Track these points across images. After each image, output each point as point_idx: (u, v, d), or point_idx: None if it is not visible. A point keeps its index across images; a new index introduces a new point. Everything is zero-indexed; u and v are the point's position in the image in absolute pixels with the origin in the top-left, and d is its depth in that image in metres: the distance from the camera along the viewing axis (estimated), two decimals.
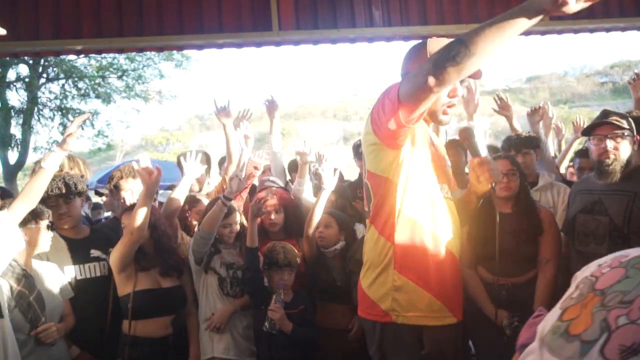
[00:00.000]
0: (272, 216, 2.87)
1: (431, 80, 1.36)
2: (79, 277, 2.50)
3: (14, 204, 2.03)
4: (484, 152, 3.02)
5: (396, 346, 1.74)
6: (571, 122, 3.97)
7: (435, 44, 1.75)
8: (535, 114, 3.71)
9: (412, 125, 1.61)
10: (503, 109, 3.58)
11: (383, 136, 1.66)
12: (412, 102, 1.50)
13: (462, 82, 1.79)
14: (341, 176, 3.86)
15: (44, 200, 2.38)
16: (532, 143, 3.11)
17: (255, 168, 2.88)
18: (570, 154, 4.00)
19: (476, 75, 1.75)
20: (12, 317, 1.97)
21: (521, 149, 3.05)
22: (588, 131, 2.29)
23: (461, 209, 1.90)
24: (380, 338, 1.76)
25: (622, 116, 2.25)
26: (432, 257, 1.72)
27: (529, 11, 1.23)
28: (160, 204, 3.03)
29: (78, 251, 2.54)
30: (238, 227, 2.73)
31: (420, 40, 1.83)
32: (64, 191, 2.47)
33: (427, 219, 1.72)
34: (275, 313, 2.40)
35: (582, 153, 3.34)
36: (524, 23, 1.24)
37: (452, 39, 1.35)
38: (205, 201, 3.03)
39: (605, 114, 2.28)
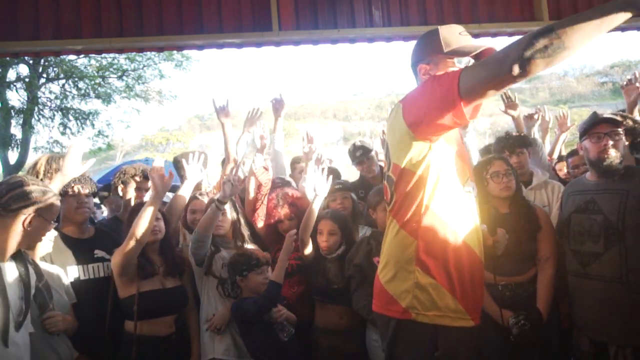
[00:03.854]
0: (286, 224, 2.89)
1: (516, 70, 1.28)
2: (82, 278, 2.49)
3: None
4: (475, 156, 3.02)
5: (410, 344, 1.68)
6: (554, 116, 3.94)
7: (448, 31, 1.71)
8: (532, 118, 3.73)
9: (472, 119, 1.53)
10: (510, 108, 3.59)
11: (422, 130, 1.58)
12: (478, 93, 1.42)
13: None
14: (338, 174, 3.87)
15: (66, 192, 2.48)
16: (525, 142, 3.13)
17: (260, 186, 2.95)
18: (558, 148, 4.01)
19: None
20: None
21: (515, 149, 3.07)
22: (586, 130, 2.30)
23: None
24: (394, 334, 1.70)
25: (615, 116, 2.30)
26: (455, 256, 1.65)
27: (626, 6, 1.19)
28: (163, 204, 3.04)
29: (82, 251, 2.54)
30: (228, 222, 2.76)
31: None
32: (84, 185, 2.58)
33: (452, 217, 1.65)
34: (282, 312, 2.50)
35: (573, 152, 3.37)
36: (620, 17, 1.20)
37: (539, 28, 1.27)
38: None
39: (599, 114, 2.32)
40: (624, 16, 1.20)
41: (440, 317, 1.64)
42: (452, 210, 1.66)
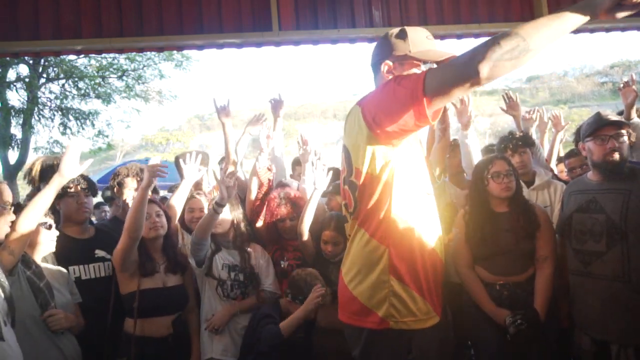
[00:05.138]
0: (287, 223, 2.88)
1: (483, 72, 1.27)
2: (83, 277, 2.50)
3: None
4: (477, 157, 3.02)
5: (385, 351, 1.70)
6: (548, 118, 3.93)
7: (415, 33, 1.70)
8: (530, 118, 3.73)
9: (433, 121, 1.51)
10: (511, 108, 3.58)
11: (384, 134, 1.56)
12: (443, 92, 1.40)
13: None
14: (338, 174, 3.86)
15: (65, 192, 2.47)
16: (528, 142, 3.13)
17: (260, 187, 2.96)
18: (557, 149, 4.00)
19: None
20: (23, 297, 1.96)
21: (518, 149, 3.07)
22: (591, 132, 2.30)
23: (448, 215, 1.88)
24: (367, 343, 1.70)
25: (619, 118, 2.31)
26: (422, 259, 1.67)
27: (585, 10, 1.25)
28: (162, 201, 3.04)
29: (83, 251, 2.55)
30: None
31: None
32: (85, 186, 2.59)
33: (418, 220, 1.66)
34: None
35: (570, 154, 3.37)
36: (578, 21, 1.26)
37: (502, 32, 1.28)
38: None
39: (604, 116, 2.31)
40: (583, 19, 1.25)
41: (415, 321, 1.67)
42: (417, 214, 1.67)
